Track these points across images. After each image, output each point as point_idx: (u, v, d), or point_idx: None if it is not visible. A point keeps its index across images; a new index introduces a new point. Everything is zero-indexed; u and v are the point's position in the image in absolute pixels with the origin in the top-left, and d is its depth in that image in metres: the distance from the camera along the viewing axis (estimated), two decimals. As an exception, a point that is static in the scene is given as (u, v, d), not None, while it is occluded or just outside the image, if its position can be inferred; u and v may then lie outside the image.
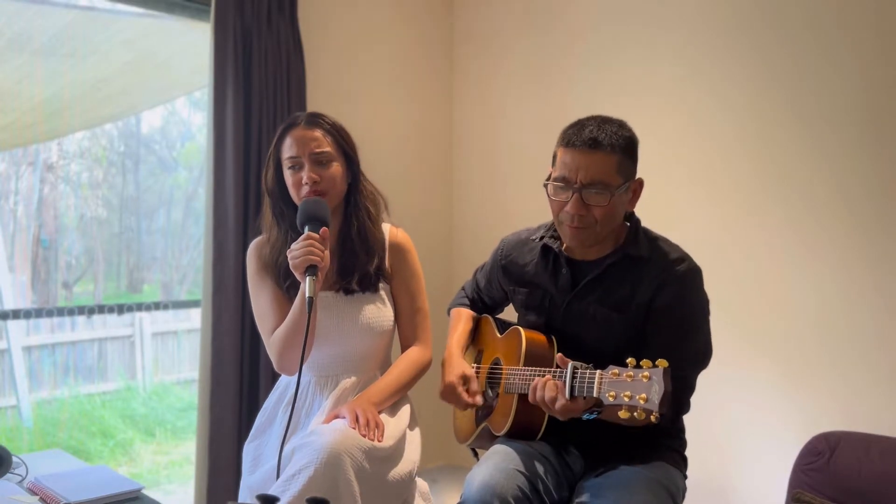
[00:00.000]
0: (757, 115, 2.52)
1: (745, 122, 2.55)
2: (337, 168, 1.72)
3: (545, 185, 1.62)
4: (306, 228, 1.59)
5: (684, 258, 1.62)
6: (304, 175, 1.67)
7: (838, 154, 2.34)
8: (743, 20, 2.54)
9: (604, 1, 2.94)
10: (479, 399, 1.74)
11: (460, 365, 1.80)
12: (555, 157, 1.62)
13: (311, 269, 1.54)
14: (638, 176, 1.64)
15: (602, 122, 1.58)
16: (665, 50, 2.74)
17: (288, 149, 1.71)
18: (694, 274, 1.61)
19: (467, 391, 1.74)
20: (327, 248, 1.59)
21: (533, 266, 1.77)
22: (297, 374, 1.74)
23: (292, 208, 1.73)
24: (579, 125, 1.58)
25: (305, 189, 1.67)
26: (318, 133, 1.72)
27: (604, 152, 1.53)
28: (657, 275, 1.59)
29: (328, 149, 1.71)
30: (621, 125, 1.59)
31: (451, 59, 3.56)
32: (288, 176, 1.72)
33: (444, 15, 3.53)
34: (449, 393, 1.76)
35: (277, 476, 1.50)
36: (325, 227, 1.59)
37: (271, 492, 1.46)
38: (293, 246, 1.57)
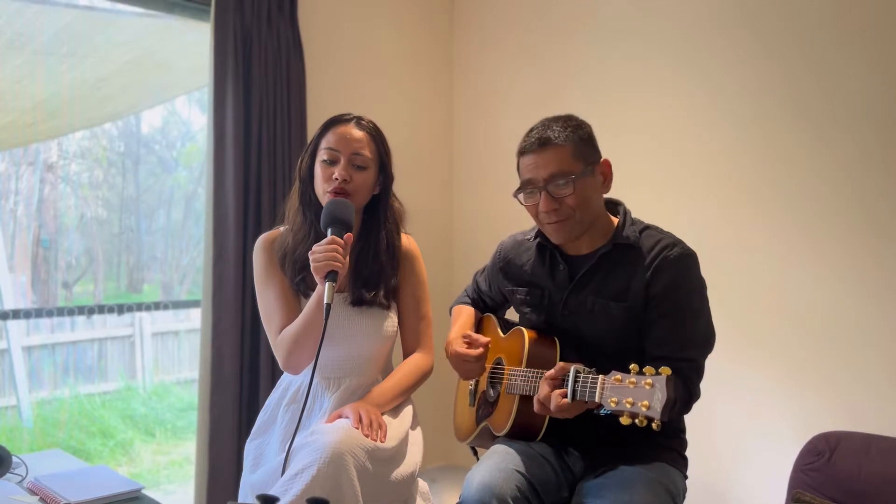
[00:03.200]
0: (761, 111, 2.51)
1: (748, 118, 2.54)
2: (369, 176, 1.73)
3: (516, 196, 1.68)
4: (329, 231, 1.59)
5: (676, 243, 1.63)
6: (337, 171, 1.67)
7: (841, 151, 2.34)
8: (748, 13, 2.54)
9: (604, 1, 2.93)
10: (483, 339, 1.76)
11: (459, 336, 1.82)
12: (518, 169, 1.69)
13: (332, 275, 1.54)
14: (604, 158, 1.68)
15: (548, 121, 1.65)
16: (667, 47, 2.74)
17: (329, 141, 1.71)
18: (687, 258, 1.61)
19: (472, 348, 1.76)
20: (348, 254, 1.59)
21: (530, 265, 1.78)
22: (301, 373, 1.76)
23: (317, 201, 1.74)
24: (528, 133, 1.66)
25: (333, 185, 1.67)
26: (363, 136, 1.73)
27: (554, 146, 1.60)
28: (650, 262, 1.60)
29: (368, 154, 1.72)
30: (568, 118, 1.66)
31: (451, 58, 3.56)
32: (319, 168, 1.72)
33: (445, 14, 3.53)
34: (458, 361, 1.78)
35: (283, 472, 1.50)
36: (349, 233, 1.59)
37: (273, 490, 1.46)
38: (315, 248, 1.57)
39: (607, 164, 1.68)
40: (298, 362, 1.70)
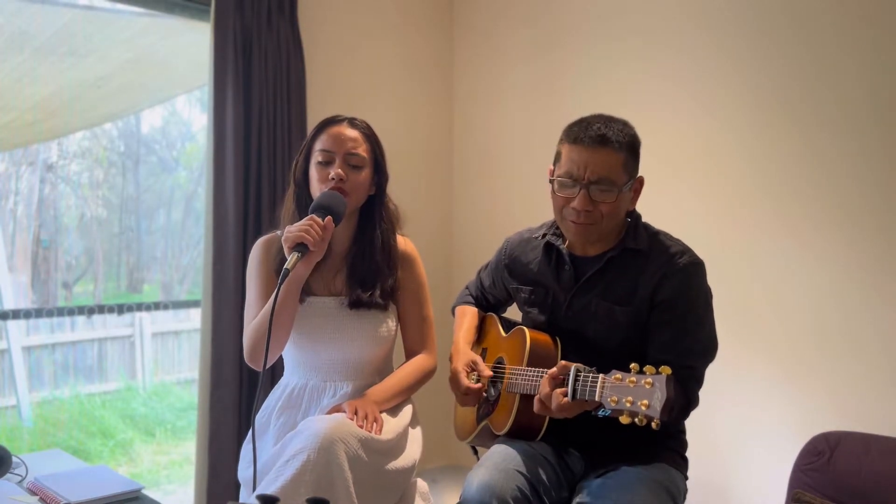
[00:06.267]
0: (754, 118, 2.51)
1: (742, 125, 2.54)
2: (366, 175, 1.72)
3: (551, 182, 1.63)
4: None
5: (685, 251, 1.62)
6: (333, 170, 1.67)
7: (836, 156, 2.34)
8: (743, 25, 2.54)
9: (603, 2, 2.94)
10: (486, 373, 1.74)
11: (468, 353, 1.82)
12: (558, 154, 1.63)
13: (300, 247, 1.53)
14: (640, 175, 1.66)
15: (608, 120, 1.60)
16: (667, 46, 2.74)
17: (323, 142, 1.71)
18: (695, 266, 1.61)
19: (474, 377, 1.75)
20: (327, 240, 1.58)
21: (536, 264, 1.77)
22: (297, 375, 1.76)
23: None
24: (585, 123, 1.60)
25: (330, 184, 1.66)
26: (357, 135, 1.72)
27: (611, 149, 1.56)
28: (658, 268, 1.60)
29: (363, 153, 1.71)
30: (626, 124, 1.62)
31: (451, 58, 3.56)
32: (315, 169, 1.71)
33: (445, 15, 3.53)
34: (454, 380, 1.78)
35: (254, 487, 1.50)
36: (330, 217, 1.58)
37: (267, 478, 1.47)
38: (292, 225, 1.57)
39: (641, 182, 1.66)
40: (261, 352, 1.61)
